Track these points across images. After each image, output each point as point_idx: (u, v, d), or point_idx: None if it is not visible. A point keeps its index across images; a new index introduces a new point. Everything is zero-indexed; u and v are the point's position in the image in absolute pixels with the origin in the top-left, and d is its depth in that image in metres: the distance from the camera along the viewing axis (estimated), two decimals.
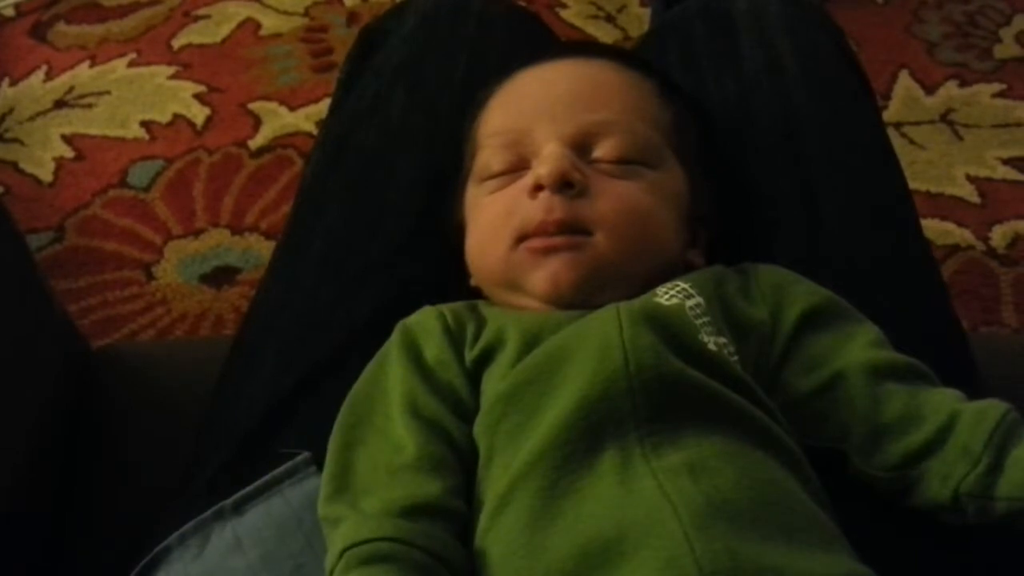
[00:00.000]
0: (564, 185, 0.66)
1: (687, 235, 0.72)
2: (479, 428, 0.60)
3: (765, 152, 0.81)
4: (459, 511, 0.57)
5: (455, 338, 0.65)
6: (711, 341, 0.61)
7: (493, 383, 0.62)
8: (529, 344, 0.62)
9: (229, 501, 0.65)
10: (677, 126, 0.73)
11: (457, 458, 0.59)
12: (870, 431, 0.61)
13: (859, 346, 0.64)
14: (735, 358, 0.62)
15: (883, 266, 0.75)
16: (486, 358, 0.63)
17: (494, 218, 0.69)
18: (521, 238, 0.66)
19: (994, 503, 0.57)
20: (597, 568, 0.51)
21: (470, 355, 0.64)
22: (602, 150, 0.69)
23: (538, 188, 0.66)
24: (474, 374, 0.63)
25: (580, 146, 0.68)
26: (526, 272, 0.66)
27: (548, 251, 0.65)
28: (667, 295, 0.63)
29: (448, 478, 0.57)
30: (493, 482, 0.57)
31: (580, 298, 0.65)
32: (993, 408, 0.59)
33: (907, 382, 0.62)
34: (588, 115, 0.69)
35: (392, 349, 0.65)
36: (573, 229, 0.65)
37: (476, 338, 0.64)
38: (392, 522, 0.54)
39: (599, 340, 0.59)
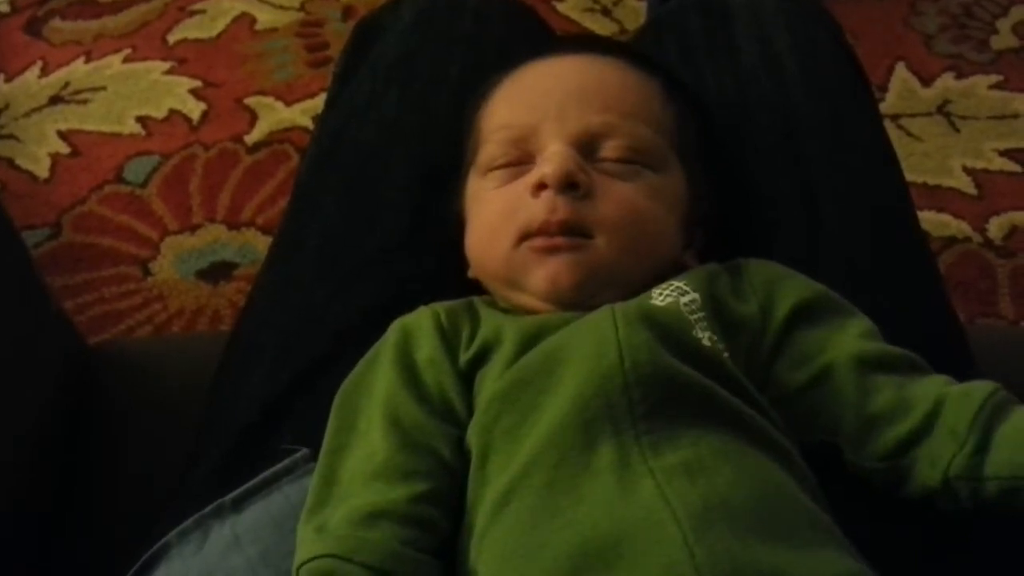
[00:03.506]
0: (568, 186, 0.66)
1: (685, 237, 0.72)
2: (473, 429, 0.60)
3: (764, 152, 0.81)
4: (429, 519, 0.56)
5: (449, 339, 0.65)
6: (705, 337, 0.61)
7: (489, 383, 0.62)
8: (526, 345, 0.62)
9: (228, 498, 0.65)
10: (679, 126, 0.73)
11: (439, 466, 0.59)
12: (860, 423, 0.61)
13: (849, 338, 0.64)
14: (726, 355, 0.62)
15: (883, 266, 0.75)
16: (481, 358, 0.63)
17: (497, 215, 0.68)
18: (524, 236, 0.66)
19: (984, 484, 0.56)
20: (595, 570, 0.51)
21: (465, 356, 0.64)
22: (606, 151, 0.69)
23: (541, 187, 0.66)
24: (468, 375, 0.63)
25: (585, 146, 0.68)
26: (527, 271, 0.66)
27: (550, 251, 0.65)
28: (661, 295, 0.64)
29: (418, 485, 0.57)
30: (489, 483, 0.57)
31: (579, 299, 0.65)
32: (979, 388, 0.59)
33: (899, 373, 0.62)
34: (594, 116, 0.69)
35: (384, 349, 0.65)
36: (575, 231, 0.65)
37: (471, 338, 0.64)
38: (342, 535, 0.54)
39: (595, 339, 0.59)
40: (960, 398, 0.59)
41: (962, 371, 0.64)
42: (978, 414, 0.57)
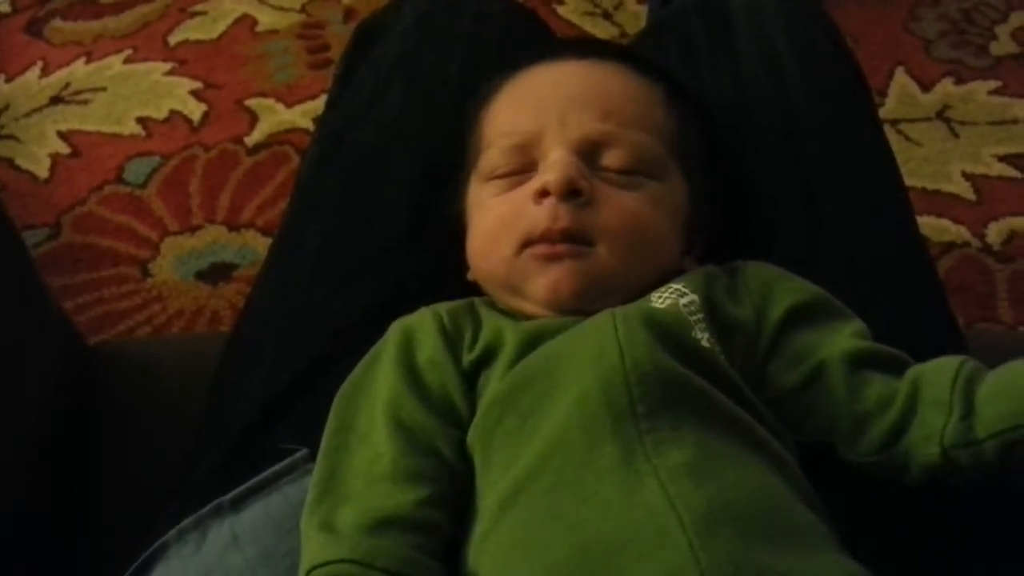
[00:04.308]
0: (571, 193, 0.66)
1: (685, 244, 0.72)
2: (475, 433, 0.60)
3: (764, 152, 0.81)
4: (434, 522, 0.56)
5: (451, 339, 0.64)
6: (704, 338, 0.62)
7: (491, 386, 0.62)
8: (526, 348, 0.62)
9: (227, 497, 0.65)
10: (680, 132, 0.73)
11: (441, 468, 0.59)
12: (852, 420, 0.62)
13: (842, 337, 0.64)
14: (722, 356, 0.62)
15: (883, 266, 0.76)
16: (486, 360, 0.63)
17: (499, 221, 0.68)
18: (525, 244, 0.66)
19: (981, 446, 0.57)
20: (599, 572, 0.51)
21: (469, 357, 0.64)
22: (608, 159, 0.69)
23: (544, 194, 0.66)
24: (472, 376, 0.63)
25: (587, 154, 0.68)
26: (528, 277, 0.66)
27: (551, 258, 0.66)
28: (660, 298, 0.64)
29: (423, 489, 0.57)
30: (492, 485, 0.57)
31: (579, 306, 0.65)
32: (950, 359, 0.60)
33: (890, 371, 0.62)
34: (597, 124, 0.69)
35: (385, 349, 0.65)
36: (576, 239, 0.65)
37: (475, 340, 0.64)
38: (356, 540, 0.54)
39: (595, 341, 0.59)
40: (934, 372, 0.60)
41: None
42: (955, 381, 0.58)
